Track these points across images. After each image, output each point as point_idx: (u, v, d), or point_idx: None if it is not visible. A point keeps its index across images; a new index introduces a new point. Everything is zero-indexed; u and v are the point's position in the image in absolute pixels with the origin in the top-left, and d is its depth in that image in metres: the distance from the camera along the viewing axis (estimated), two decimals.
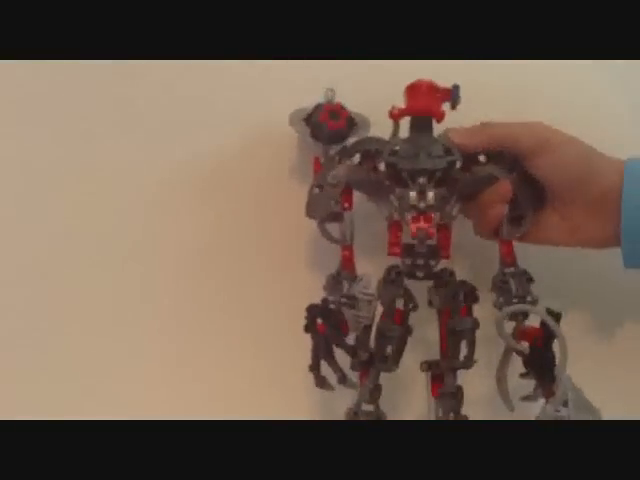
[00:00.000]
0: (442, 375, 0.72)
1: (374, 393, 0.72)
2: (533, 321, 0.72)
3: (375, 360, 0.71)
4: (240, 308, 0.79)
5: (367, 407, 0.72)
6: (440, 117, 0.72)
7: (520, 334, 0.71)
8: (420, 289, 0.73)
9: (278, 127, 0.75)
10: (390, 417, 0.72)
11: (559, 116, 0.73)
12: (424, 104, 0.72)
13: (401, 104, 0.72)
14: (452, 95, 0.71)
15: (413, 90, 0.72)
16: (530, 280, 0.73)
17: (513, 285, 0.72)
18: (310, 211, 0.73)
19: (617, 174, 0.69)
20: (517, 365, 0.72)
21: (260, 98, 0.78)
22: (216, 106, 0.78)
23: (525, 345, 0.71)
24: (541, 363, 0.71)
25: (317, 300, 0.72)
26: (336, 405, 0.76)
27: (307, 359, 0.72)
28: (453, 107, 0.72)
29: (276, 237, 0.79)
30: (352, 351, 0.71)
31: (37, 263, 0.79)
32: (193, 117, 0.78)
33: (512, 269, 0.73)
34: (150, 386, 0.79)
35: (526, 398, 0.73)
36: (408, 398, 0.78)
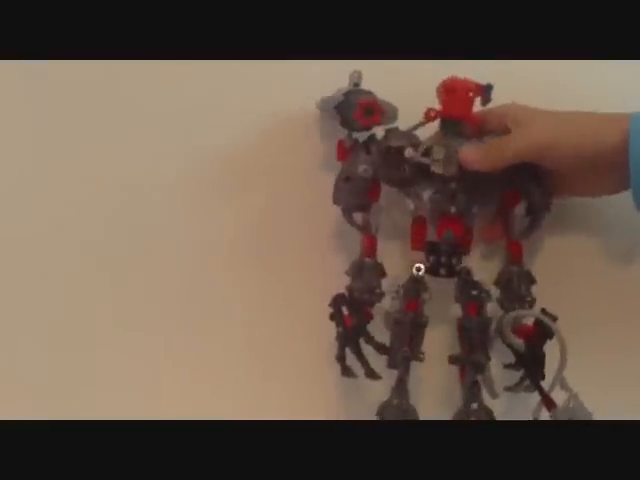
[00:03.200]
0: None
1: (401, 386, 0.73)
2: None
3: (402, 353, 0.73)
4: (260, 297, 0.80)
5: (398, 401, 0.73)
6: (475, 123, 0.73)
7: (515, 332, 0.74)
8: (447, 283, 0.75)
9: (297, 120, 0.77)
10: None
11: None
12: (461, 109, 0.72)
13: (416, 104, 0.73)
14: (484, 93, 0.72)
15: (449, 92, 0.72)
16: (532, 282, 0.75)
17: (516, 284, 0.75)
18: (337, 199, 0.74)
19: (619, 135, 0.69)
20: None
21: (279, 96, 0.78)
22: (233, 103, 0.79)
23: (520, 342, 0.74)
24: (534, 360, 0.73)
25: (337, 287, 0.74)
26: (357, 400, 0.77)
27: (324, 352, 0.75)
28: (483, 104, 0.73)
29: (295, 227, 0.79)
30: (382, 348, 0.74)
31: (38, 263, 0.79)
32: (210, 113, 0.78)
33: (517, 268, 0.75)
34: (166, 385, 0.79)
35: (509, 389, 0.75)
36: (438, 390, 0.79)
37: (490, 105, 0.74)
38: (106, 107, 0.78)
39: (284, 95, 0.78)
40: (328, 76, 0.75)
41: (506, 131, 0.72)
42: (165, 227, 0.79)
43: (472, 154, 0.72)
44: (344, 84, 0.73)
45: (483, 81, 0.72)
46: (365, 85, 0.73)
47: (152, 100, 0.78)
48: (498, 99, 0.74)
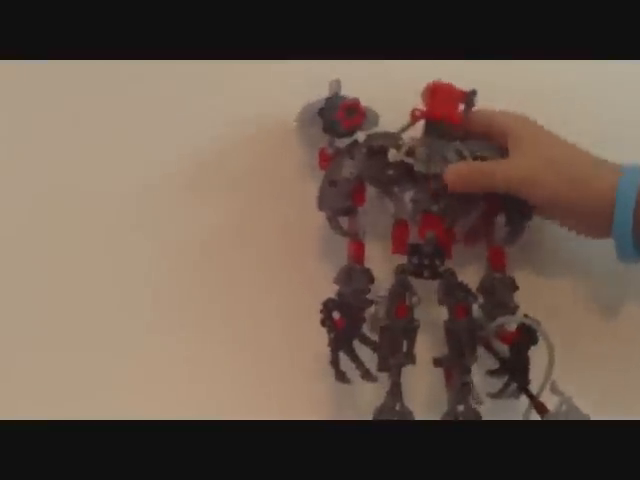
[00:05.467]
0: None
1: (395, 390, 0.72)
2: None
3: (394, 357, 0.72)
4: (247, 303, 0.79)
5: (394, 404, 0.73)
6: (459, 123, 0.73)
7: (499, 338, 0.74)
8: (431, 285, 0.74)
9: (281, 121, 0.77)
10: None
11: (559, 116, 0.74)
12: (446, 111, 0.72)
13: (406, 104, 0.73)
14: (468, 99, 0.72)
15: (434, 94, 0.72)
16: (515, 288, 0.75)
17: (499, 292, 0.74)
18: (323, 204, 0.74)
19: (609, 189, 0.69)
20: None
21: (264, 96, 0.78)
22: (219, 104, 0.79)
23: (504, 348, 0.73)
24: (519, 366, 0.73)
25: (325, 293, 0.73)
26: (346, 402, 0.77)
27: (316, 353, 0.74)
28: (467, 111, 0.73)
29: (281, 231, 0.79)
30: (374, 345, 0.73)
31: (37, 263, 0.78)
32: (195, 115, 0.78)
33: (500, 275, 0.75)
34: (161, 387, 0.79)
35: (494, 395, 0.75)
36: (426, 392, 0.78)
37: (487, 106, 0.74)
38: (104, 107, 0.78)
39: (270, 100, 0.78)
40: (311, 79, 0.75)
41: (503, 153, 0.71)
42: (161, 225, 0.79)
43: (453, 174, 0.71)
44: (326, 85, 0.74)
45: (476, 81, 0.72)
46: (347, 87, 0.73)
47: (151, 100, 0.79)
48: (492, 99, 0.74)
